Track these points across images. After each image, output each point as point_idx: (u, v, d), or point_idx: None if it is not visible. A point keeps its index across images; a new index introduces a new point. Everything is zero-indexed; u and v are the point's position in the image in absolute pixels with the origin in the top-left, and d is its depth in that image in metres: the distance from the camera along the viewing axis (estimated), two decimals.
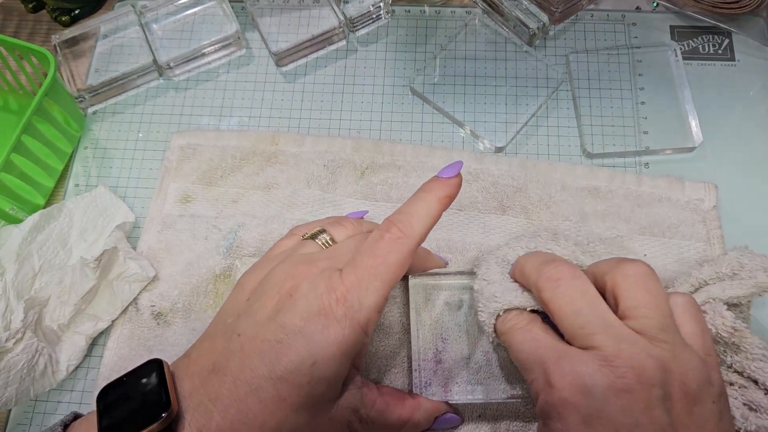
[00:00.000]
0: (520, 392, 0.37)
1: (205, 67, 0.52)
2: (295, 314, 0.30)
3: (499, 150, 0.47)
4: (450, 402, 0.37)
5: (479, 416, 0.38)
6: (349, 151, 0.46)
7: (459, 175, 0.33)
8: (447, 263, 0.42)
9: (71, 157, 0.49)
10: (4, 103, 0.52)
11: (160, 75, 0.51)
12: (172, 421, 0.28)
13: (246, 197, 0.45)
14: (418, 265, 0.39)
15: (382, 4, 0.51)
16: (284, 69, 0.52)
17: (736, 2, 0.49)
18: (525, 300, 0.34)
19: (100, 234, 0.44)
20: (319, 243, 0.35)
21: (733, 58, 0.50)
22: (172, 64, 0.50)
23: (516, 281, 0.35)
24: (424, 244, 0.43)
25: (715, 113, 0.48)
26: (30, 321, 0.38)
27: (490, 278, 0.36)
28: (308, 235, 0.36)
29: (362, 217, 0.39)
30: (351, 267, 0.31)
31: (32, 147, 0.44)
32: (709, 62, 0.50)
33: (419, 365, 0.38)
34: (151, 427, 0.27)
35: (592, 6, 0.52)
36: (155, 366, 0.30)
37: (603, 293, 0.31)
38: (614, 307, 0.31)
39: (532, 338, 0.31)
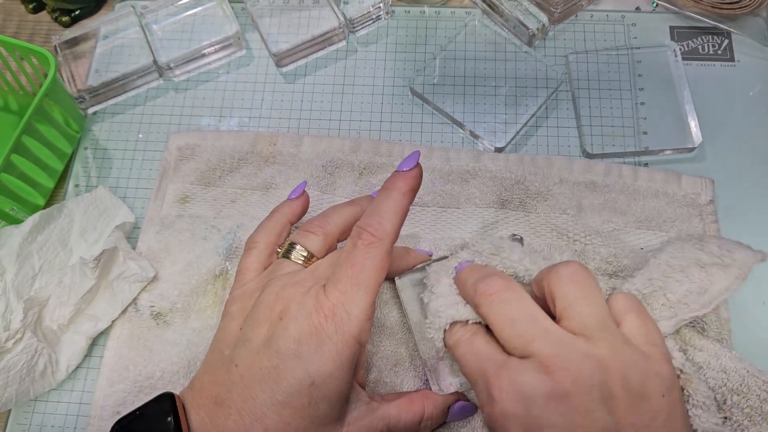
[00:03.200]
0: None
1: (205, 67, 0.52)
2: (287, 338, 0.30)
3: (498, 150, 0.47)
4: (463, 392, 0.37)
5: None
6: (347, 152, 0.46)
7: (418, 165, 0.33)
8: (431, 254, 0.42)
9: (71, 157, 0.49)
10: (5, 104, 0.52)
11: (160, 76, 0.51)
12: None
13: (244, 198, 0.46)
14: (401, 265, 0.39)
15: (381, 5, 0.51)
16: (284, 69, 0.52)
17: (736, 2, 0.49)
18: (468, 313, 0.33)
19: (101, 234, 0.44)
20: (295, 260, 0.35)
21: (732, 59, 0.50)
22: (172, 65, 0.50)
23: None
24: (423, 245, 0.43)
25: (715, 114, 0.48)
26: (30, 321, 0.38)
27: (438, 291, 0.35)
28: (281, 253, 0.36)
29: (304, 190, 0.39)
30: (333, 282, 0.31)
31: (32, 147, 0.44)
32: (709, 62, 0.50)
33: (426, 362, 0.38)
34: None
35: (591, 6, 0.52)
36: (167, 399, 0.31)
37: (545, 299, 0.31)
38: (554, 311, 0.30)
39: (475, 351, 0.31)
